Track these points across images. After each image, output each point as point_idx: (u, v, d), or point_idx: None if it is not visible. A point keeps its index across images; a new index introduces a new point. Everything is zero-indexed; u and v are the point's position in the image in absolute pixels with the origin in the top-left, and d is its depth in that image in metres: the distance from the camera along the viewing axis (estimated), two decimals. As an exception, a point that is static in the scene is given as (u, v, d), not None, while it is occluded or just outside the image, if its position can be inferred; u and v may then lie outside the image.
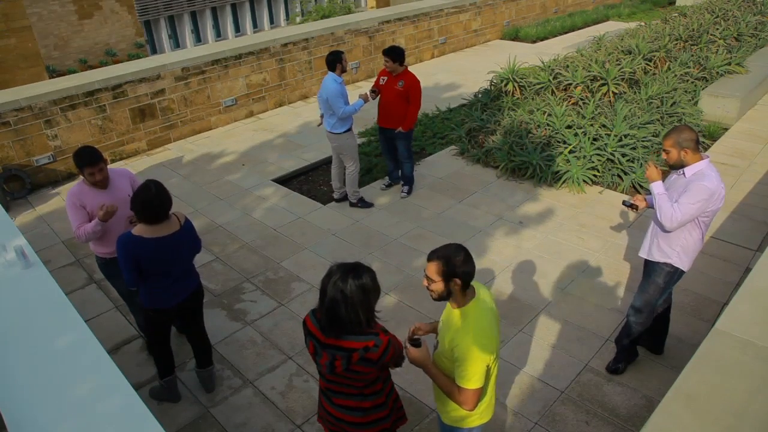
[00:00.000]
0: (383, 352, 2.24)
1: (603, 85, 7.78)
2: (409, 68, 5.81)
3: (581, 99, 7.62)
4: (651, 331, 3.81)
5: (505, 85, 8.31)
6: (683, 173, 3.23)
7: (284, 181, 6.91)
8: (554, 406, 3.58)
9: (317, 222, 5.85)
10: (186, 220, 3.38)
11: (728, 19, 11.06)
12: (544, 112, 7.21)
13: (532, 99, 7.99)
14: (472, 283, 2.34)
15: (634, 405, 3.56)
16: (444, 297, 2.30)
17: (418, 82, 5.69)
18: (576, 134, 6.66)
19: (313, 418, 3.56)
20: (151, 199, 3.09)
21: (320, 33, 9.67)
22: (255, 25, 20.43)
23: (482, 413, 2.48)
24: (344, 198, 6.16)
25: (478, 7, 12.77)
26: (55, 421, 2.12)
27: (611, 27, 14.13)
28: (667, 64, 8.76)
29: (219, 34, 19.48)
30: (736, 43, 10.07)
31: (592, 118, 6.99)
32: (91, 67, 14.28)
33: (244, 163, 7.36)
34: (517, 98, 8.13)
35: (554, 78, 8.13)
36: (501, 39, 13.65)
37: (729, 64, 8.85)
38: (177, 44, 18.50)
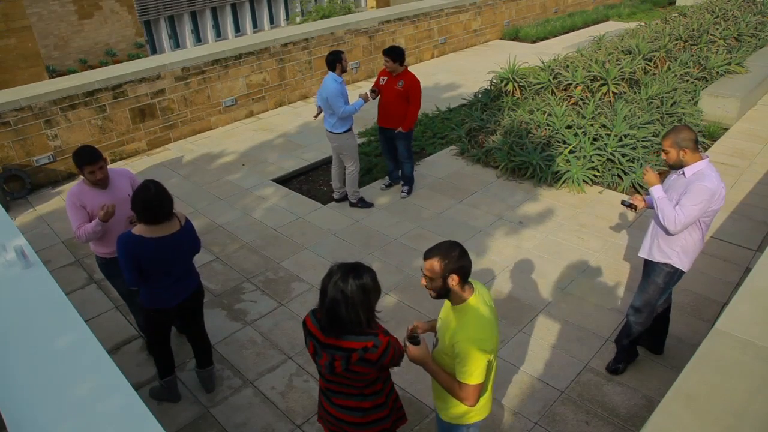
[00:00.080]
0: (382, 353, 2.24)
1: (603, 85, 7.78)
2: (409, 68, 5.82)
3: (581, 99, 7.62)
4: (651, 331, 3.81)
5: (505, 85, 8.31)
6: (683, 173, 3.23)
7: (284, 181, 6.91)
8: (554, 406, 3.58)
9: (317, 222, 5.85)
10: (186, 220, 3.38)
11: (728, 19, 11.06)
12: (544, 112, 7.21)
13: (532, 99, 7.99)
14: (470, 280, 2.35)
15: (634, 405, 3.56)
16: (443, 294, 2.32)
17: (418, 82, 5.69)
18: (576, 134, 6.66)
19: (313, 418, 3.56)
20: (151, 200, 3.09)
21: (320, 33, 9.68)
22: (255, 25, 20.43)
23: (481, 409, 2.50)
24: (344, 198, 6.16)
25: (478, 7, 12.77)
26: (55, 421, 2.12)
27: (611, 27, 14.13)
28: (667, 64, 8.76)
29: (219, 34, 19.48)
30: (736, 43, 10.08)
31: (592, 118, 6.99)
32: (91, 67, 14.28)
33: (244, 163, 7.36)
34: (517, 98, 8.13)
35: (554, 78, 8.13)
36: (501, 39, 13.65)
37: (729, 64, 8.85)
38: (177, 44, 18.49)
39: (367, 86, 10.06)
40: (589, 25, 14.65)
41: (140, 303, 3.46)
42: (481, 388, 2.30)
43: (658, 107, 7.47)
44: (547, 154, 6.45)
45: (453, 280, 2.25)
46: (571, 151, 6.46)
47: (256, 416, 3.62)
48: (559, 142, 6.61)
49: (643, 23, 11.68)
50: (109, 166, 3.71)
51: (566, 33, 13.98)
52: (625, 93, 7.80)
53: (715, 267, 4.84)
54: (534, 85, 8.18)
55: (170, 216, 3.23)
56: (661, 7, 16.78)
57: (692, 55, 9.11)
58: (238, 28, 20.01)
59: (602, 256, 5.09)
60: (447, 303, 2.43)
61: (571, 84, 7.86)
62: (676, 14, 12.16)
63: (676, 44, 9.60)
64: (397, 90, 5.63)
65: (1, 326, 2.66)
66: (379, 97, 5.75)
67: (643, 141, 6.54)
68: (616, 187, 6.21)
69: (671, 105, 7.59)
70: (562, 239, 5.36)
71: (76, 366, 2.38)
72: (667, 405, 2.17)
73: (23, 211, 6.46)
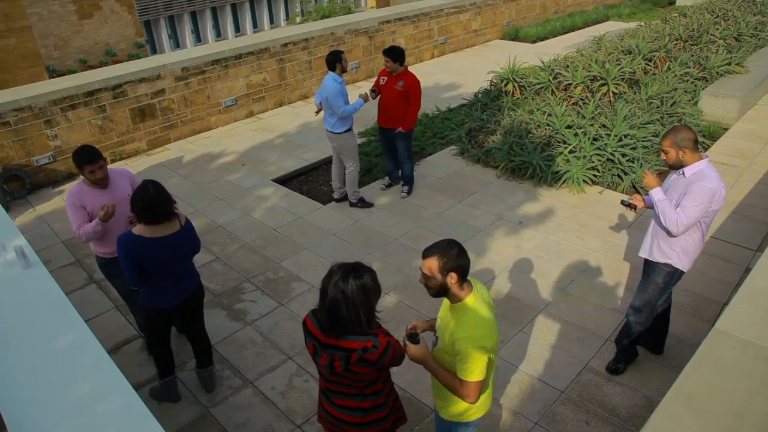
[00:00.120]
0: (382, 353, 2.24)
1: (603, 85, 7.78)
2: (409, 68, 5.81)
3: (581, 99, 7.62)
4: (651, 331, 3.81)
5: (505, 85, 8.31)
6: (683, 173, 3.23)
7: (284, 181, 6.91)
8: (554, 406, 3.58)
9: (317, 222, 5.85)
10: (186, 220, 3.38)
11: (728, 19, 11.06)
12: (544, 112, 7.21)
13: (532, 99, 7.99)
14: (468, 278, 2.36)
15: (634, 405, 3.56)
16: (442, 293, 2.32)
17: (418, 82, 5.69)
18: (576, 134, 6.66)
19: (313, 418, 3.56)
20: (150, 200, 3.09)
21: (320, 33, 9.68)
22: (255, 25, 20.43)
23: (480, 407, 2.51)
24: (344, 198, 6.16)
25: (478, 7, 12.77)
26: (55, 421, 2.12)
27: (611, 27, 14.13)
28: (667, 64, 8.76)
29: (219, 34, 19.48)
30: (736, 43, 10.08)
31: (592, 118, 6.99)
32: (91, 67, 14.29)
33: (244, 163, 7.36)
34: (517, 98, 8.13)
35: (554, 78, 8.13)
36: (501, 39, 13.65)
37: (729, 64, 8.85)
38: (177, 44, 18.49)
39: (367, 86, 10.06)
40: (589, 25, 14.66)
41: (140, 303, 3.46)
42: (482, 385, 2.31)
43: (658, 107, 7.47)
44: (547, 154, 6.45)
45: (451, 279, 2.26)
46: (571, 151, 6.46)
47: (256, 416, 3.62)
48: (559, 142, 6.61)
49: (643, 23, 11.68)
50: (109, 166, 3.71)
51: (566, 33, 13.98)
52: (625, 93, 7.80)
53: (715, 267, 4.84)
54: (534, 85, 8.18)
55: (170, 216, 3.22)
56: (661, 7, 16.79)
57: (692, 55, 9.11)
58: (238, 28, 20.02)
59: (602, 256, 5.09)
60: (446, 302, 2.44)
61: (571, 84, 7.86)
62: (676, 14, 12.16)
63: (676, 44, 9.60)
64: (397, 90, 5.63)
65: (1, 326, 2.66)
66: (379, 97, 5.75)
67: (643, 141, 6.54)
68: (616, 187, 6.21)
69: (671, 105, 7.59)
70: (562, 239, 5.36)
71: (76, 366, 2.38)
72: (667, 405, 2.17)
73: (23, 211, 6.46)
